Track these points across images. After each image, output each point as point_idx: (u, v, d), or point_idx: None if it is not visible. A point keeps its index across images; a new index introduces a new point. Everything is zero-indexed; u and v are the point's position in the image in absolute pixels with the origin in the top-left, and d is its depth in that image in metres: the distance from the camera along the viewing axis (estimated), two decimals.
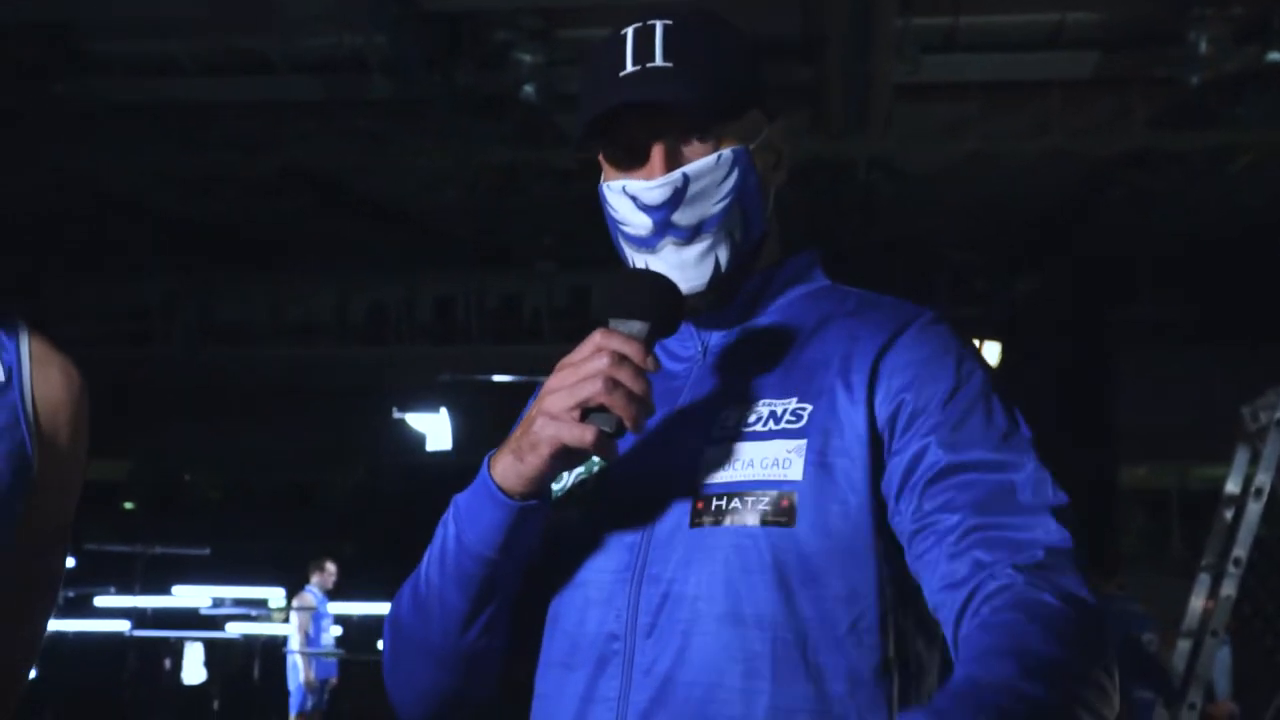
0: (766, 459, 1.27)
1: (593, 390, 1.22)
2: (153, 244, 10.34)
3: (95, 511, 11.07)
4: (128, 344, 11.46)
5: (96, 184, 9.22)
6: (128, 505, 13.56)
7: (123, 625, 7.89)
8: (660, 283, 1.30)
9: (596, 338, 1.25)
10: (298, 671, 8.46)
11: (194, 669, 9.89)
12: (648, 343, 1.26)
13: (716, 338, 1.40)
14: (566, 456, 1.24)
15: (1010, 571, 1.17)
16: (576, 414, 1.23)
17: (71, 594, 7.90)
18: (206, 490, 14.90)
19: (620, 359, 1.23)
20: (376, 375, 11.49)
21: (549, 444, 1.24)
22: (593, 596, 1.30)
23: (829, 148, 8.07)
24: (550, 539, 1.33)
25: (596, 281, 10.96)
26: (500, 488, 1.27)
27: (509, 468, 1.27)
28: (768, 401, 1.32)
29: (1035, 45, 7.18)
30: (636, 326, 1.27)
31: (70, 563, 7.24)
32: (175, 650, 7.59)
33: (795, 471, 1.26)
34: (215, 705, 8.72)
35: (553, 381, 1.27)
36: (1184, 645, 4.72)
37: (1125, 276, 10.44)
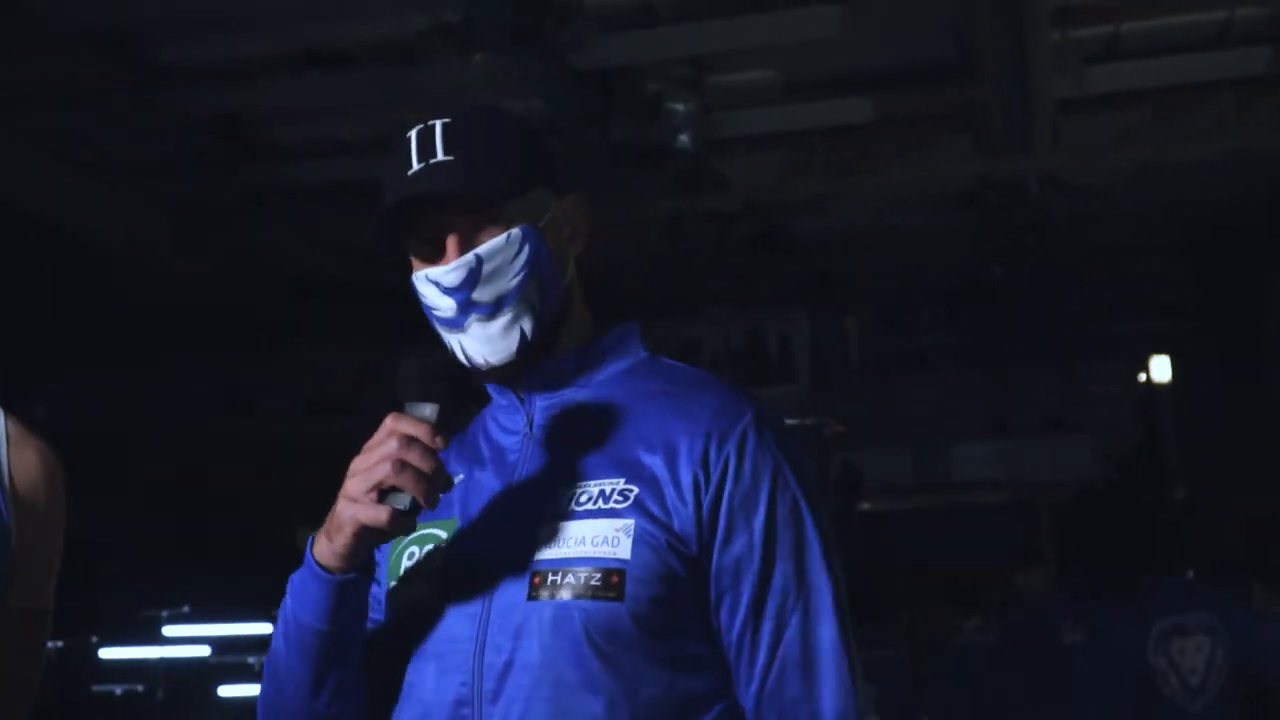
0: (597, 537, 1.37)
1: (384, 473, 1.33)
2: (342, 318, 10.70)
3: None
4: (327, 416, 11.88)
5: (288, 264, 9.61)
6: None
7: None
8: (444, 366, 1.43)
9: (388, 423, 1.35)
10: None
11: None
12: (438, 423, 1.36)
13: (540, 412, 1.49)
14: (370, 535, 1.35)
15: None
16: (374, 495, 1.33)
17: None
18: None
19: (408, 440, 1.34)
20: None
21: (350, 525, 1.35)
22: (442, 665, 1.39)
23: (995, 168, 7.93)
24: (404, 614, 1.43)
25: (770, 323, 10.96)
26: (320, 565, 1.37)
27: (324, 547, 1.37)
28: (597, 481, 1.41)
29: (1203, 45, 6.96)
30: (427, 409, 1.38)
31: (268, 628, 7.54)
32: None
33: (624, 550, 1.36)
34: None
35: (354, 465, 1.36)
36: None
37: None
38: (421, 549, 1.48)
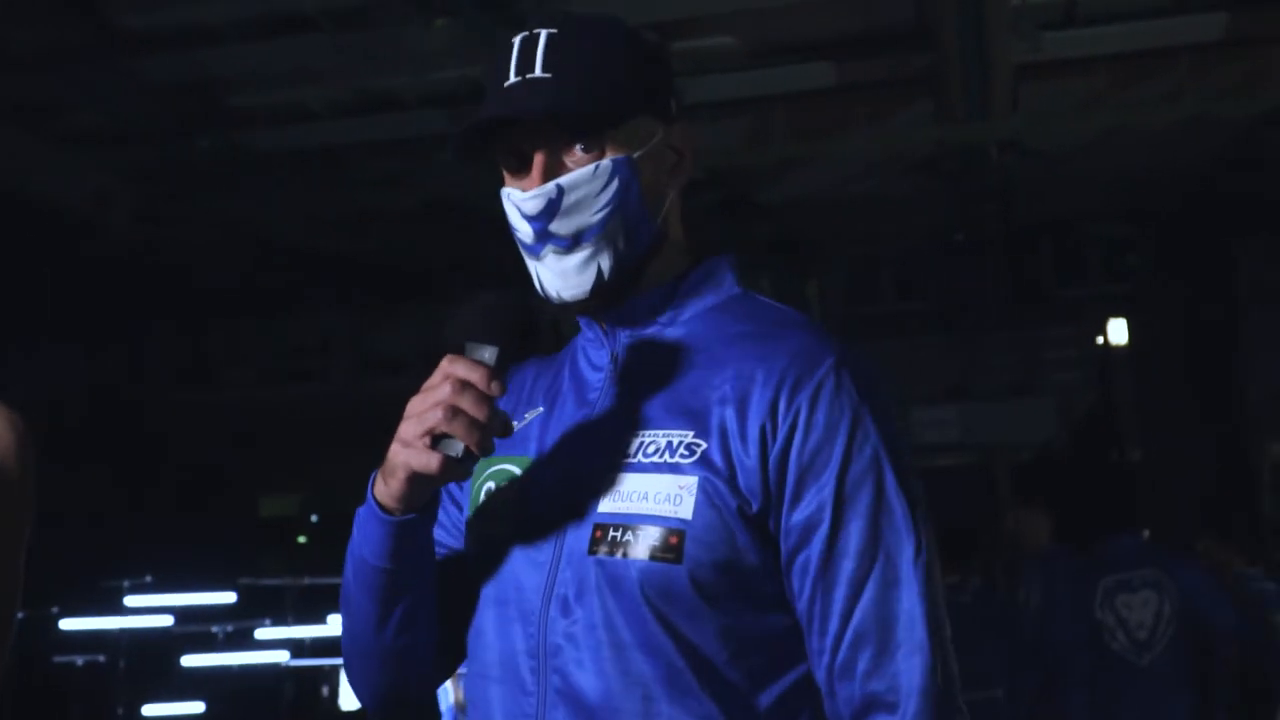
0: (660, 493, 1.30)
1: (436, 419, 1.26)
2: (307, 285, 10.66)
3: (270, 547, 11.47)
4: (292, 383, 11.82)
5: (249, 231, 9.56)
6: (301, 539, 14.01)
7: (281, 656, 8.12)
8: (507, 306, 1.33)
9: (444, 365, 1.28)
10: (447, 694, 8.63)
11: (351, 696, 10.13)
12: (497, 367, 1.28)
13: (623, 348, 1.42)
14: (423, 480, 1.30)
15: None
16: (426, 441, 1.27)
17: (231, 628, 8.17)
18: None
19: (463, 386, 1.26)
20: None
21: (403, 470, 1.29)
22: (511, 614, 1.36)
23: (955, 134, 7.98)
24: (479, 551, 1.40)
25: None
26: (380, 505, 1.33)
27: (382, 488, 1.33)
28: (665, 431, 1.34)
29: (1160, 11, 7.01)
30: (486, 352, 1.30)
31: (231, 598, 7.46)
32: (331, 678, 7.81)
33: (685, 509, 1.29)
34: None
35: (410, 406, 1.30)
36: None
37: (1269, 240, 10.07)
38: (498, 484, 1.42)
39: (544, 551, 1.34)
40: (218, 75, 7.40)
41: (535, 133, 1.35)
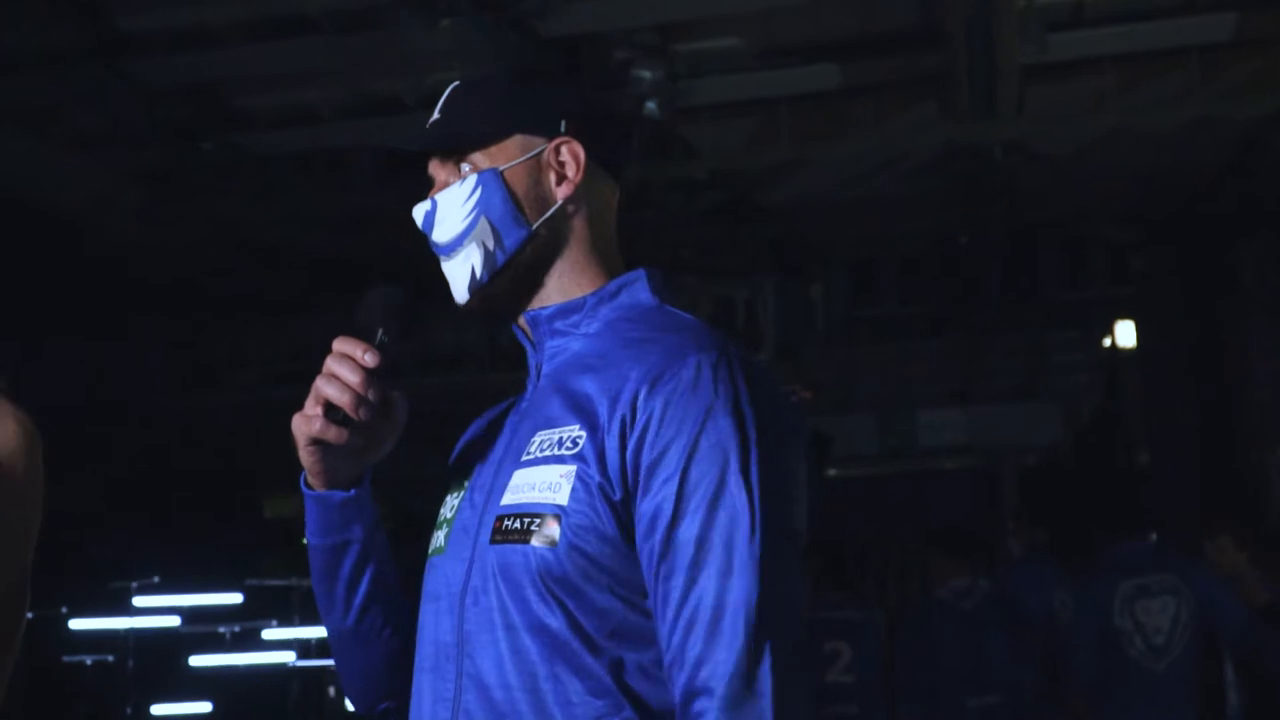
0: (544, 482, 1.42)
1: (319, 387, 1.47)
2: (310, 287, 10.65)
3: (275, 548, 11.49)
4: (296, 384, 11.82)
5: (251, 234, 9.55)
6: (304, 541, 13.98)
7: (288, 656, 8.13)
8: (390, 293, 1.56)
9: (334, 344, 1.47)
10: None
11: None
12: (382, 345, 1.49)
13: (546, 361, 1.56)
14: (325, 449, 1.49)
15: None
16: (319, 410, 1.47)
17: (238, 629, 8.19)
18: None
19: (341, 357, 1.48)
20: None
21: (302, 439, 1.49)
22: (442, 607, 1.48)
23: (961, 135, 7.95)
24: (427, 556, 1.55)
25: (738, 291, 10.96)
26: (306, 484, 1.54)
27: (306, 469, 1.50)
28: (559, 429, 1.46)
29: (1168, 12, 6.99)
30: (378, 333, 1.52)
31: (238, 599, 7.48)
32: (338, 679, 7.81)
33: (563, 495, 1.40)
34: None
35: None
36: None
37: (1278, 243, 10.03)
38: (449, 498, 1.58)
39: (464, 548, 1.48)
40: (220, 77, 7.40)
41: (435, 161, 1.62)
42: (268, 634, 8.25)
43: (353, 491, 1.52)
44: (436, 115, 1.61)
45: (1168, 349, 10.23)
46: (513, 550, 1.40)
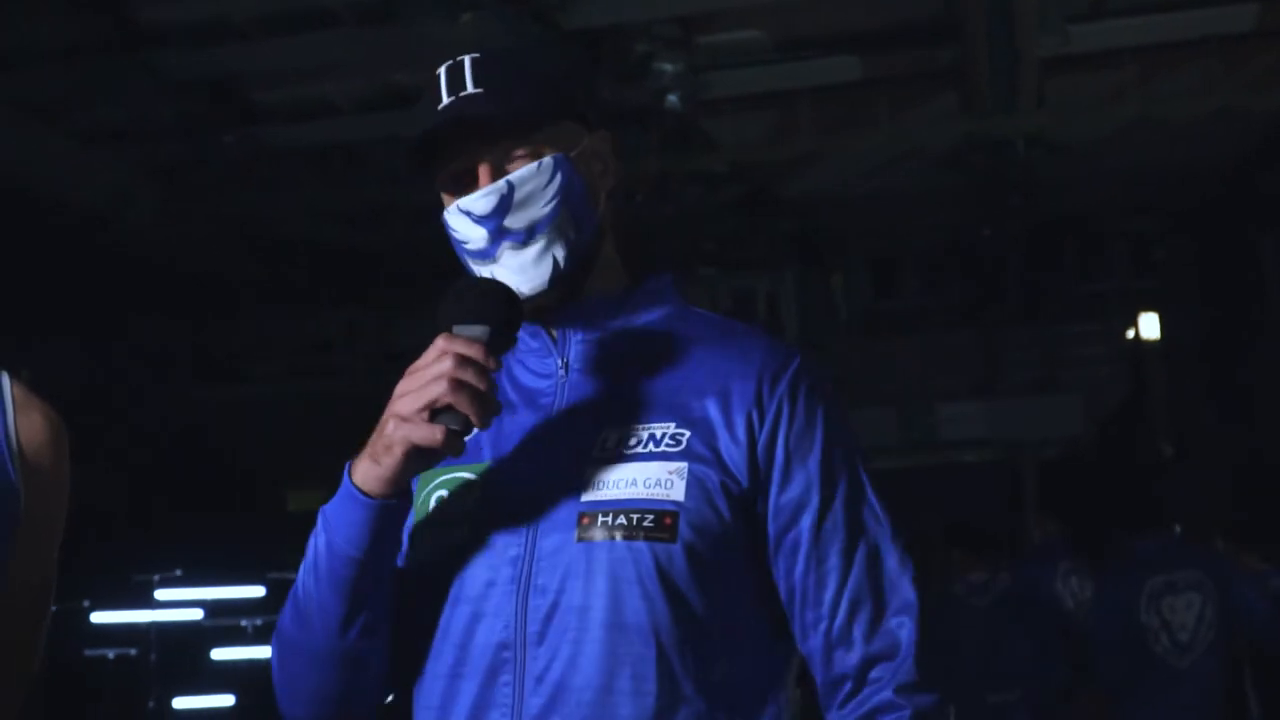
0: (649, 479, 1.36)
1: (439, 391, 1.30)
2: (331, 279, 10.68)
3: (298, 541, 11.55)
4: (317, 377, 11.84)
5: (271, 227, 9.58)
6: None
7: None
8: (496, 288, 1.38)
9: (440, 343, 1.33)
10: None
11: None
12: (490, 345, 1.33)
13: (577, 354, 1.48)
14: (419, 456, 1.32)
15: (889, 697, 1.36)
16: (425, 415, 1.31)
17: (260, 622, 8.20)
18: None
19: (463, 360, 1.31)
20: None
21: (401, 445, 1.31)
22: (480, 609, 1.38)
23: (981, 128, 7.93)
24: (435, 557, 1.41)
25: (759, 283, 10.95)
26: (362, 490, 1.35)
27: (368, 471, 1.35)
28: (646, 425, 1.40)
29: (1189, 3, 6.95)
30: (478, 330, 1.35)
31: (260, 592, 7.45)
32: None
33: (678, 492, 1.36)
34: None
35: (402, 386, 1.33)
36: None
37: None
38: (450, 491, 1.45)
39: (514, 546, 1.37)
40: (240, 70, 7.42)
41: (476, 144, 1.44)
42: None
43: (400, 500, 1.38)
44: (472, 89, 1.43)
45: (1190, 340, 10.19)
46: (620, 547, 1.34)
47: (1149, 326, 10.29)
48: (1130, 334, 10.57)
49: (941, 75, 7.49)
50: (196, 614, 8.18)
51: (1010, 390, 10.89)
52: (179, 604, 8.07)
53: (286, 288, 10.93)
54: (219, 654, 8.04)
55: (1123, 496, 4.73)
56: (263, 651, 8.13)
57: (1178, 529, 4.89)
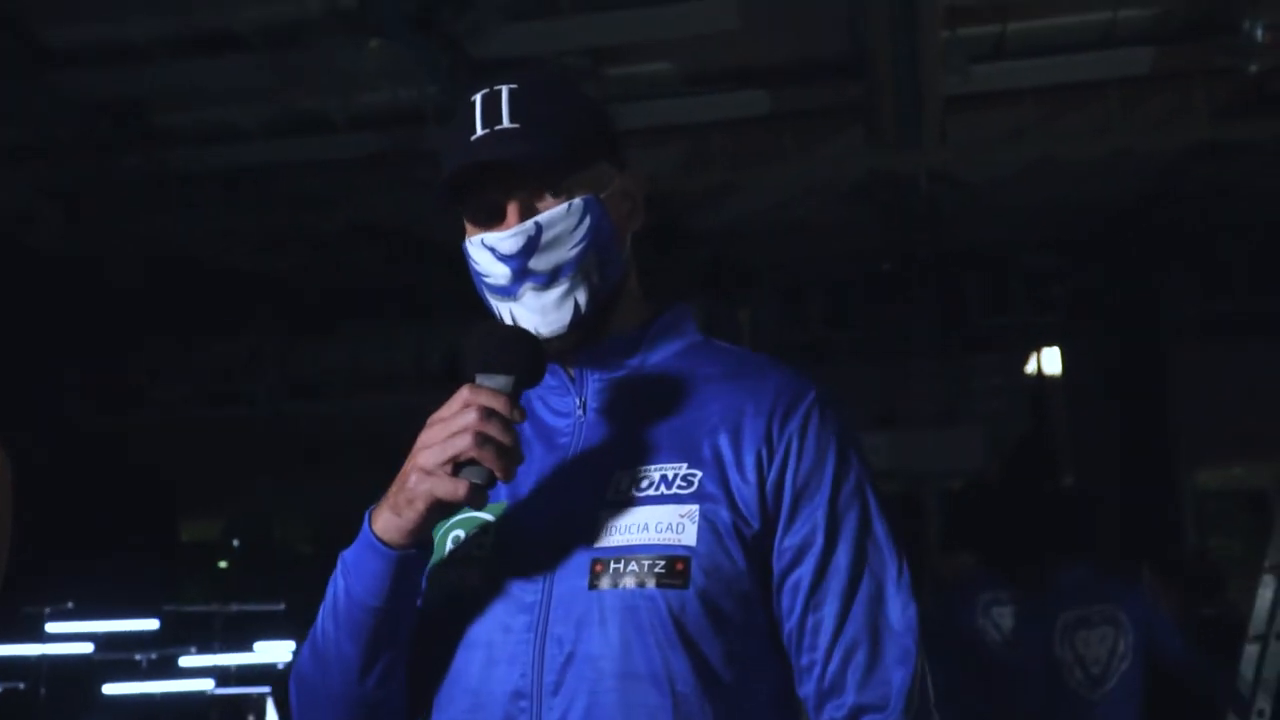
0: (660, 523, 1.34)
1: (463, 445, 1.28)
2: (234, 306, 10.52)
3: (192, 572, 11.28)
4: (215, 405, 11.64)
5: (172, 251, 9.42)
6: (222, 564, 13.78)
7: (206, 684, 7.98)
8: (520, 335, 1.36)
9: (464, 394, 1.30)
10: None
11: None
12: (513, 395, 1.31)
13: (595, 394, 1.46)
14: (441, 509, 1.30)
15: None
16: (449, 468, 1.29)
17: (154, 656, 8.02)
18: (297, 545, 15.08)
19: (488, 413, 1.29)
20: None
21: (424, 499, 1.29)
22: (495, 655, 1.36)
23: (886, 163, 8.05)
24: (450, 599, 1.39)
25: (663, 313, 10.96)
26: (382, 541, 1.32)
27: (389, 522, 1.33)
28: (658, 466, 1.38)
29: (1088, 45, 7.12)
30: (501, 380, 1.33)
31: (154, 624, 7.27)
32: (258, 706, 7.70)
33: (689, 536, 1.33)
34: None
35: (424, 438, 1.31)
36: (1251, 650, 4.62)
37: (1198, 271, 10.25)
38: (467, 532, 1.43)
39: (530, 593, 1.36)
40: (145, 93, 7.30)
41: (507, 180, 1.41)
42: (185, 661, 8.06)
43: (419, 550, 1.36)
44: (508, 123, 1.40)
45: (1091, 374, 10.40)
46: (631, 594, 1.32)
47: (1050, 361, 10.50)
48: (1032, 367, 10.77)
49: (848, 110, 7.59)
50: (87, 647, 7.98)
51: (913, 422, 11.03)
52: (70, 637, 7.87)
53: (188, 313, 10.74)
54: (111, 689, 7.84)
55: (1038, 528, 4.77)
56: (156, 686, 7.96)
57: (1089, 560, 4.94)
